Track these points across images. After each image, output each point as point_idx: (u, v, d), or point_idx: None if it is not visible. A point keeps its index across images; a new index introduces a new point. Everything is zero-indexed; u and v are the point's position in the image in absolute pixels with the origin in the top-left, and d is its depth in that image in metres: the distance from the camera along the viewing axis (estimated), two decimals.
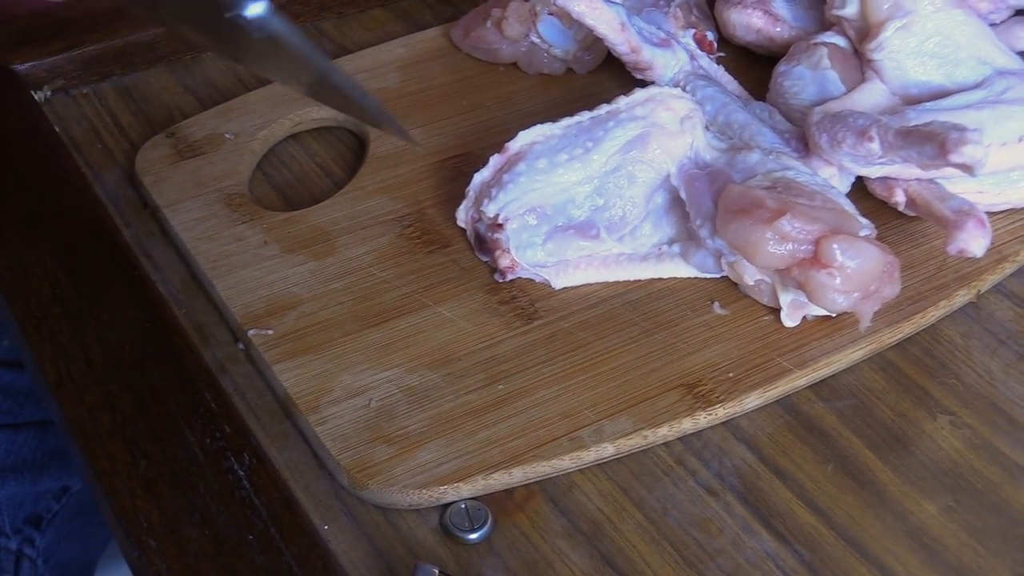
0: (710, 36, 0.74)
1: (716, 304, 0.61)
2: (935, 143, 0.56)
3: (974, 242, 0.58)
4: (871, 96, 0.66)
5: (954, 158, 0.55)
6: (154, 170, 0.69)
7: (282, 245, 0.64)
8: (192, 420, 0.55)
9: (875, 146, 0.59)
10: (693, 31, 0.73)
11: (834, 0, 0.68)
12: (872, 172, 0.63)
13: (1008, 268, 0.64)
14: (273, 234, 0.65)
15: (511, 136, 0.62)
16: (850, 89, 0.66)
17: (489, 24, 0.75)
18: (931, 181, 0.63)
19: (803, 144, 0.64)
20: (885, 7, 0.65)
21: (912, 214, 0.64)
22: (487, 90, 0.75)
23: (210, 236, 0.64)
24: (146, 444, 0.54)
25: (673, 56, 0.69)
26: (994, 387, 0.59)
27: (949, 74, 0.66)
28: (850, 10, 0.67)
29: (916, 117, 0.61)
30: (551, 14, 0.73)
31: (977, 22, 0.67)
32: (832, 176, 0.63)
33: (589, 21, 0.66)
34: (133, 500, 0.51)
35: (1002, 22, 0.72)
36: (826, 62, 0.68)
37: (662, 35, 0.70)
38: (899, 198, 0.63)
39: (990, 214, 0.65)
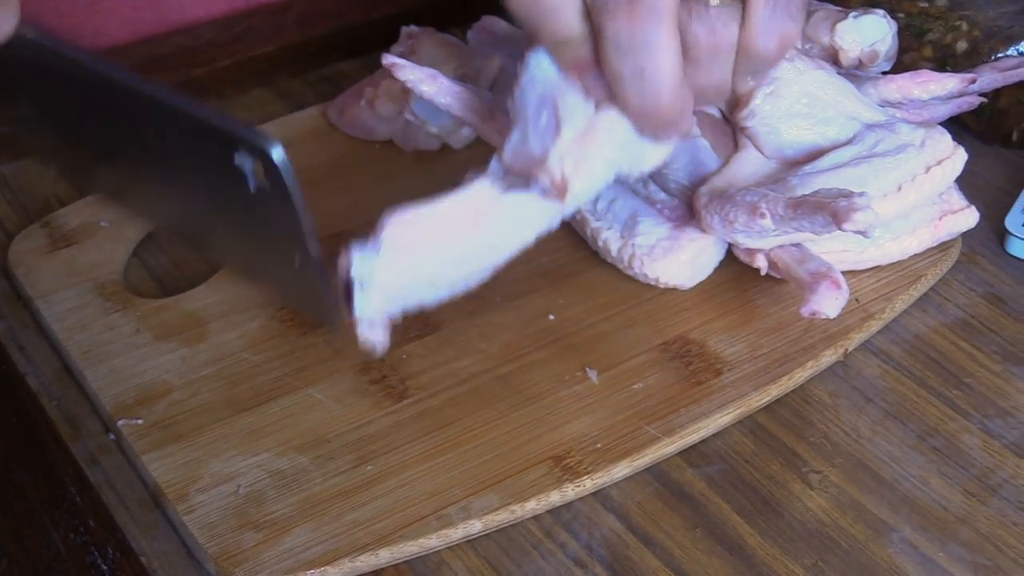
0: None
1: (592, 372, 0.61)
2: (826, 213, 0.57)
3: (827, 303, 0.59)
4: (748, 165, 0.67)
5: (847, 226, 0.56)
6: (27, 261, 0.68)
7: (154, 333, 0.64)
8: (56, 515, 0.54)
9: (767, 222, 0.60)
10: None
11: None
12: (767, 244, 0.64)
13: (874, 326, 0.65)
14: (145, 322, 0.64)
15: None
16: (722, 156, 0.67)
17: (363, 103, 0.76)
18: (794, 244, 0.64)
19: (677, 214, 0.65)
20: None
21: (779, 276, 0.65)
22: (362, 168, 0.75)
23: (82, 326, 0.64)
24: (8, 543, 0.53)
25: None
26: (861, 445, 0.60)
27: (821, 133, 0.67)
28: None
29: (799, 183, 0.62)
30: None
31: (839, 80, 0.68)
32: (708, 246, 0.65)
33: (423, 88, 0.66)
34: None
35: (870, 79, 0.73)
36: (696, 130, 0.69)
37: None
38: (760, 263, 0.64)
39: (854, 272, 0.67)
